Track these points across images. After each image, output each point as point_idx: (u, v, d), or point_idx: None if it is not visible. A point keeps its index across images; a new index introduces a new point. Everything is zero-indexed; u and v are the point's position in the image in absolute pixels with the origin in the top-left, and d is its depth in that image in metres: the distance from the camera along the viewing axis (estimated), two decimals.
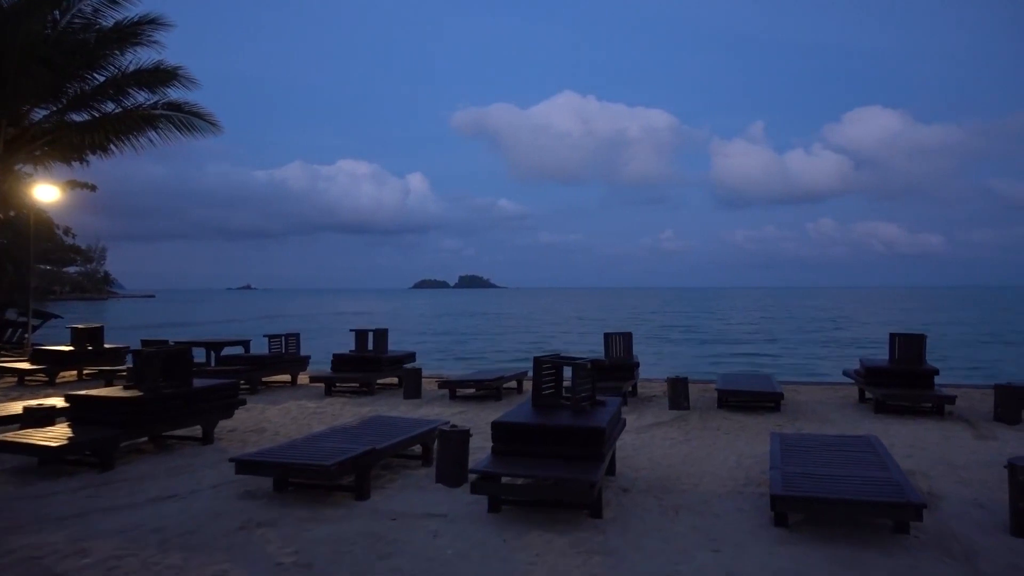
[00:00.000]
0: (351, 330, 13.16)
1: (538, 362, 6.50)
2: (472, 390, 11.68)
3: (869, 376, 10.29)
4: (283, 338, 13.80)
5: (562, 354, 6.95)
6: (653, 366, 23.10)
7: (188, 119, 20.65)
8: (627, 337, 11.93)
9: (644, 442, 8.28)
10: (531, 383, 6.62)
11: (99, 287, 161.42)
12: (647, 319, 63.73)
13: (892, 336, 10.70)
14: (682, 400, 10.44)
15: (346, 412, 10.37)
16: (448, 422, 7.57)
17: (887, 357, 10.80)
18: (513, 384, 12.72)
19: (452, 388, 11.54)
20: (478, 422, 9.71)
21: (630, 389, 11.52)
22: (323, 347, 25.59)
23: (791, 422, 9.42)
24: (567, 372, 6.63)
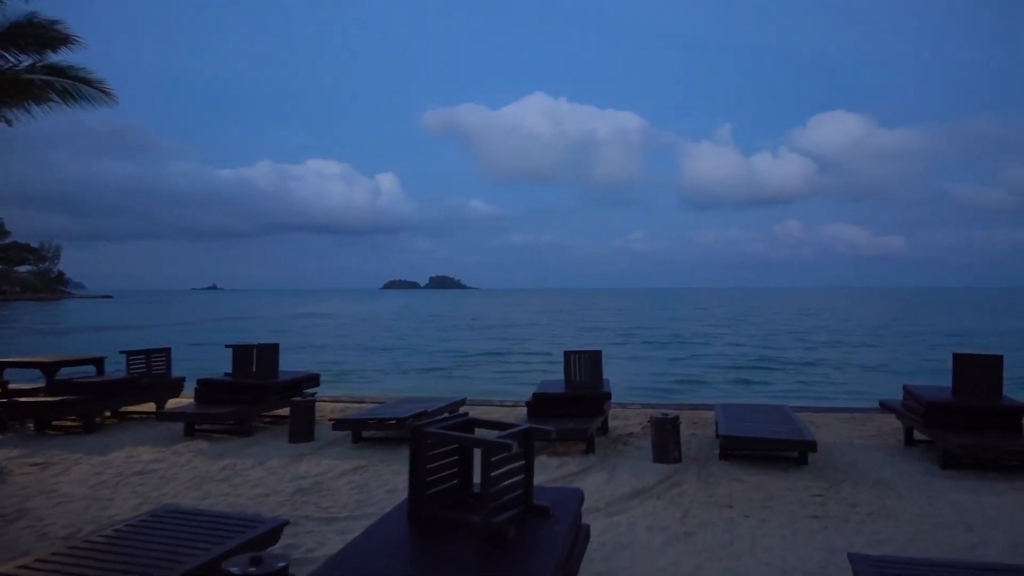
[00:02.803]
0: (227, 346, 9.85)
1: (420, 437, 3.38)
2: (383, 432, 8.52)
3: (930, 414, 7.35)
4: (146, 355, 10.50)
5: (473, 416, 3.84)
6: (625, 381, 20.18)
7: (75, 87, 17.13)
8: (594, 357, 8.85)
9: (619, 536, 5.20)
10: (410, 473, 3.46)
11: (52, 287, 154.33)
12: (619, 324, 61.15)
13: (957, 357, 7.80)
14: (672, 449, 7.40)
15: (186, 473, 7.12)
16: (283, 523, 4.39)
17: (935, 382, 7.95)
18: (444, 416, 9.57)
19: (355, 429, 8.35)
20: (374, 486, 6.59)
21: (599, 426, 8.48)
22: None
23: (833, 488, 6.42)
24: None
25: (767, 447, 7.25)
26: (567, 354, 8.88)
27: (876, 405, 11.75)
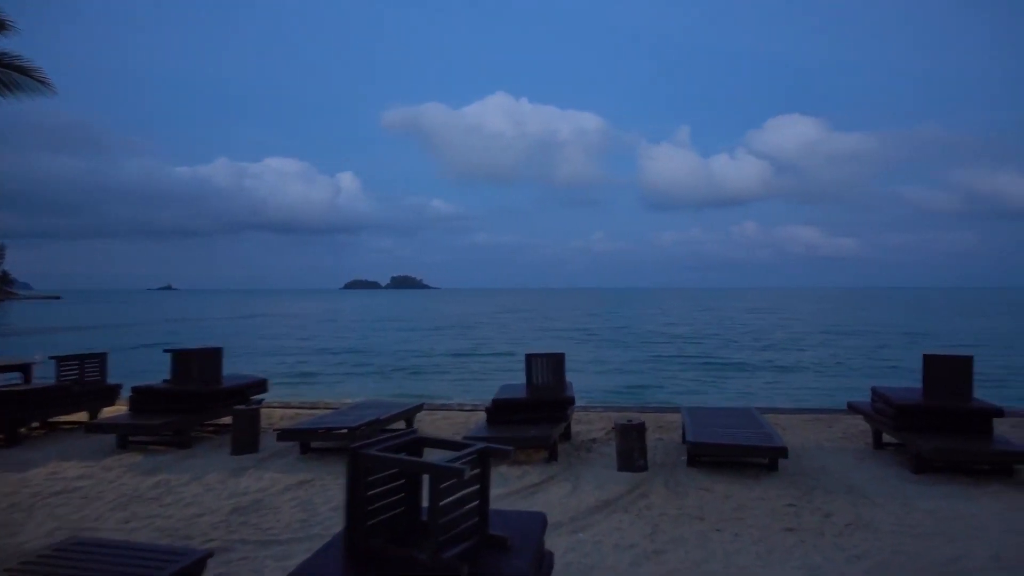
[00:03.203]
0: (165, 350, 9.21)
1: (358, 461, 2.93)
2: (333, 442, 7.98)
3: (901, 416, 7.14)
4: (80, 360, 9.78)
5: (423, 435, 3.39)
6: (588, 383, 19.92)
7: (8, 75, 16.13)
8: (557, 360, 8.46)
9: (585, 557, 4.81)
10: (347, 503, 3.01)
11: None
12: (582, 324, 61.26)
13: (928, 359, 7.61)
14: (637, 457, 7.05)
15: (113, 492, 6.51)
16: (206, 555, 3.89)
17: (890, 381, 7.77)
18: (400, 424, 9.11)
19: (301, 440, 7.81)
20: (319, 503, 6.11)
21: (562, 432, 8.10)
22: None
23: (805, 497, 6.14)
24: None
25: (737, 454, 6.95)
26: (529, 357, 8.48)
27: (841, 405, 11.62)
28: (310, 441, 7.84)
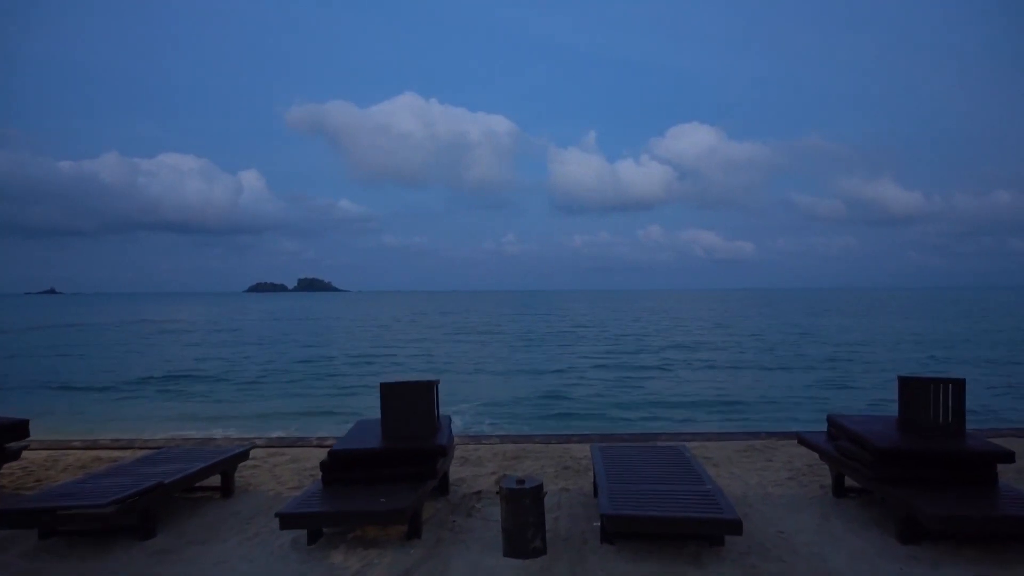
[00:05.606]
0: None
1: None
2: (96, 522, 5.39)
3: (883, 464, 5.29)
4: None
5: None
6: (480, 401, 17.78)
7: None
8: (425, 392, 6.15)
9: None
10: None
11: None
12: (485, 328, 59.39)
13: (905, 382, 5.85)
14: (532, 536, 4.89)
15: None
16: None
17: (873, 411, 6.02)
18: (215, 479, 6.60)
19: (21, 526, 5.18)
20: None
21: (431, 490, 5.87)
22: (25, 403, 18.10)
23: None
24: None
25: (671, 528, 4.89)
26: (384, 388, 6.12)
27: (768, 426, 9.93)
28: (47, 525, 5.23)
